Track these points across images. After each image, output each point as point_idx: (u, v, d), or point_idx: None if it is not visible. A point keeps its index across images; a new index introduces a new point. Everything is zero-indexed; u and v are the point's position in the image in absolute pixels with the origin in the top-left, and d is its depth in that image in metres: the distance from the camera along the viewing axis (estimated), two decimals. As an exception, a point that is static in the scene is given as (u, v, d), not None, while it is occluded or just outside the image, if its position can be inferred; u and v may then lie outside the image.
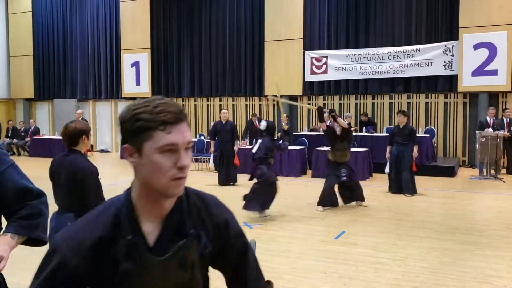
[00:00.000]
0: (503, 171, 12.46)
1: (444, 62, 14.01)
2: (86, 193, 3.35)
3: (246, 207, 7.33)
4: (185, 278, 1.33)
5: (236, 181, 10.95)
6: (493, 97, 13.77)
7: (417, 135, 12.84)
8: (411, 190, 9.54)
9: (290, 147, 12.58)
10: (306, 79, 15.79)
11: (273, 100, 8.92)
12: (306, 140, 13.38)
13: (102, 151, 19.79)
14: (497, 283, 4.55)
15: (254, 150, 7.72)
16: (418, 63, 14.29)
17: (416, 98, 14.79)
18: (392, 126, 12.64)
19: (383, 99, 15.20)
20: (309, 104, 15.90)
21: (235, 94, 17.28)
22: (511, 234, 6.39)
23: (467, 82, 13.58)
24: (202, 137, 15.15)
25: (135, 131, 1.25)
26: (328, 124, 8.61)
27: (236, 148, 10.98)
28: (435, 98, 14.58)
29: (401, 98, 14.98)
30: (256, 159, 7.59)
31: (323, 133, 9.00)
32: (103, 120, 20.06)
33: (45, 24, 20.50)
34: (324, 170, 11.37)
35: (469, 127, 14.05)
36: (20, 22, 20.80)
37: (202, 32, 17.62)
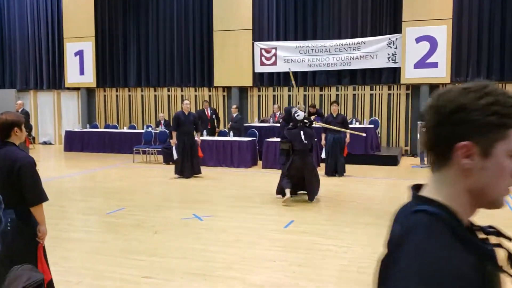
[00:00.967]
0: (443, 159, 13.02)
1: (388, 54, 14.45)
2: (24, 186, 3.16)
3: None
4: None
5: (200, 172, 10.70)
6: (434, 89, 14.32)
7: (362, 126, 13.28)
8: (342, 172, 10.73)
9: (240, 139, 12.64)
10: (256, 70, 15.84)
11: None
12: (256, 132, 13.46)
13: (44, 143, 19.09)
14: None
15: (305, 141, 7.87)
16: (363, 56, 14.65)
17: (361, 90, 15.19)
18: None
19: (330, 90, 15.50)
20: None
21: (184, 84, 17.10)
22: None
23: (410, 74, 14.07)
24: (150, 128, 14.91)
25: (487, 126, 0.98)
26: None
27: (198, 139, 10.86)
28: (379, 90, 15.02)
29: (347, 90, 15.33)
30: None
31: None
32: (46, 111, 19.32)
33: (-20, 10, 19.46)
34: (275, 160, 11.64)
35: (411, 117, 14.59)
36: (-47, 7, 19.63)
37: (149, 20, 17.28)
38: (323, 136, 10.81)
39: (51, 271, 3.40)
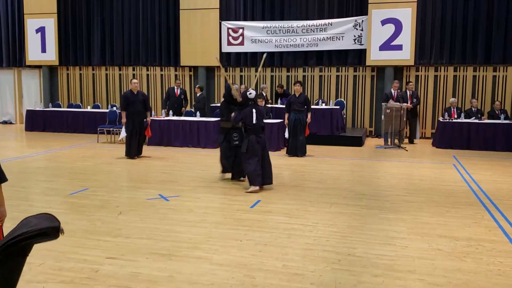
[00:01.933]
0: (406, 140, 13.34)
1: (354, 36, 14.56)
2: None
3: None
4: None
5: (141, 153, 10.62)
6: (398, 71, 14.59)
7: (328, 107, 13.43)
8: (303, 152, 10.84)
9: (207, 119, 12.57)
10: (223, 50, 15.71)
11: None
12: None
13: (5, 122, 18.52)
14: (399, 244, 4.92)
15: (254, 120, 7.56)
16: (330, 37, 14.72)
17: (328, 71, 15.30)
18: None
19: (297, 72, 15.55)
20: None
21: (149, 63, 16.82)
22: (412, 199, 6.90)
23: (375, 56, 14.25)
24: (115, 108, 14.64)
25: None
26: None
27: (148, 119, 10.69)
28: (345, 72, 15.16)
29: (313, 71, 15.41)
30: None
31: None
32: (6, 90, 18.69)
33: None
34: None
35: (376, 99, 14.82)
36: None
37: (113, -3, 16.84)
38: (286, 116, 10.94)
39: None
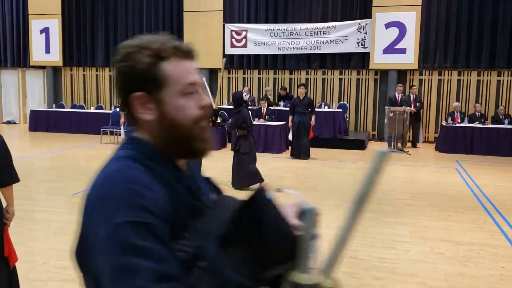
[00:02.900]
0: (409, 144, 13.33)
1: (358, 39, 14.57)
2: None
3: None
4: None
5: None
6: (402, 75, 14.58)
7: (330, 110, 13.42)
8: (307, 154, 10.80)
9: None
10: (226, 52, 15.73)
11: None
12: (226, 114, 13.42)
13: (8, 122, 18.58)
14: (401, 247, 4.92)
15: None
16: (333, 40, 14.73)
17: (331, 74, 15.30)
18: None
19: (300, 74, 15.56)
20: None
21: (152, 65, 16.83)
22: (414, 203, 6.90)
23: (378, 60, 14.24)
24: (118, 109, 14.66)
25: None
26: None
27: None
28: (348, 75, 15.16)
29: (316, 74, 15.42)
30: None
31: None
32: (10, 90, 18.76)
33: None
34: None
35: (379, 102, 14.81)
36: None
37: (118, -1, 16.91)
38: (290, 118, 10.94)
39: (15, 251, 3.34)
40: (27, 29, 17.70)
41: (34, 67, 18.06)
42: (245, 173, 7.57)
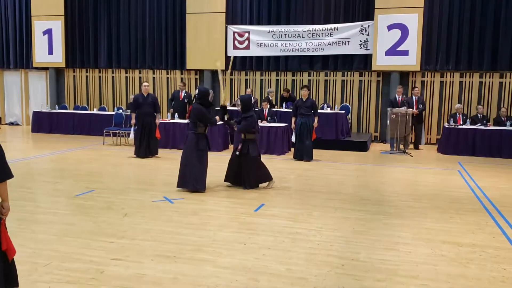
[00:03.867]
0: (411, 146, 13.33)
1: (360, 41, 14.58)
2: None
3: None
4: None
5: (157, 153, 10.98)
6: (404, 76, 14.58)
7: (333, 111, 13.43)
8: (310, 156, 10.81)
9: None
10: (229, 54, 15.75)
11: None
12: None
13: (11, 124, 18.64)
14: (403, 249, 4.93)
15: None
16: (335, 42, 14.75)
17: (333, 76, 15.31)
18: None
19: (302, 76, 15.57)
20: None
21: (155, 66, 16.89)
22: (416, 204, 6.90)
23: (381, 61, 14.25)
24: (121, 111, 14.71)
25: None
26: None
27: (157, 121, 11.02)
28: (350, 76, 15.17)
29: (319, 76, 15.43)
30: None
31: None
32: (13, 91, 18.82)
33: None
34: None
35: (382, 104, 14.81)
36: None
37: (121, 0, 16.94)
38: (292, 120, 10.95)
39: (17, 252, 3.36)
40: (30, 31, 17.76)
41: (37, 68, 18.12)
42: (261, 172, 7.86)
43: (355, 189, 7.98)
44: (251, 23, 15.67)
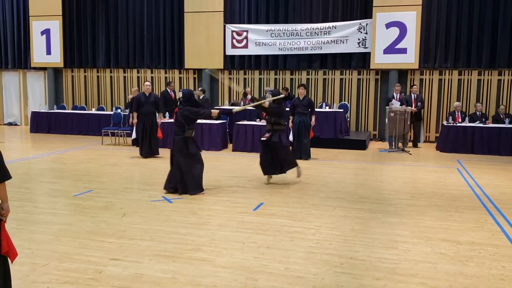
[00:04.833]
0: (410, 144, 13.33)
1: (358, 40, 14.57)
2: None
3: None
4: None
5: (158, 153, 10.97)
6: (403, 74, 14.58)
7: (331, 110, 13.43)
8: (308, 155, 10.84)
9: (210, 121, 12.58)
10: (227, 53, 15.75)
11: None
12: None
13: (10, 124, 18.61)
14: (402, 247, 4.92)
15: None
16: (334, 40, 14.74)
17: (332, 74, 15.30)
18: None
19: (301, 74, 15.56)
20: (230, 78, 15.97)
21: (154, 66, 16.87)
22: (415, 203, 6.90)
23: (379, 60, 14.24)
24: (119, 110, 14.69)
25: None
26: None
27: (159, 120, 11.08)
28: (349, 75, 15.16)
29: (317, 74, 15.42)
30: None
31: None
32: (11, 92, 18.79)
33: None
34: (245, 143, 11.79)
35: (380, 102, 14.81)
36: None
37: None
38: (290, 118, 10.97)
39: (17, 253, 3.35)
40: (28, 31, 17.73)
41: (35, 68, 18.10)
42: (293, 159, 8.40)
43: (354, 187, 7.97)
44: (249, 22, 15.65)
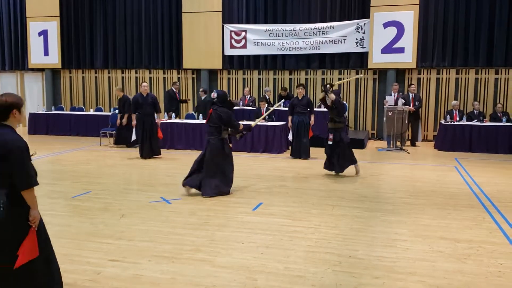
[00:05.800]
0: (408, 143, 13.35)
1: (356, 39, 14.59)
2: (12, 170, 3.13)
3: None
4: None
5: (160, 154, 10.92)
6: (400, 74, 14.59)
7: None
8: (307, 154, 10.90)
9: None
10: (226, 53, 15.75)
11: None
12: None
13: (7, 125, 18.55)
14: (400, 246, 4.94)
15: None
16: (332, 40, 14.76)
17: (330, 74, 15.31)
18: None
19: (300, 74, 15.57)
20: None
21: (152, 66, 16.87)
22: (414, 201, 6.92)
23: (377, 59, 14.26)
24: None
25: None
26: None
27: (158, 121, 11.01)
28: (347, 74, 15.18)
29: (316, 74, 15.43)
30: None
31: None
32: (8, 93, 18.74)
33: None
34: (244, 143, 11.78)
35: (378, 102, 14.82)
36: None
37: None
38: (289, 118, 11.00)
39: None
40: (25, 32, 17.71)
41: (32, 69, 18.08)
42: (354, 156, 8.87)
43: (353, 186, 7.99)
44: (247, 22, 15.66)
